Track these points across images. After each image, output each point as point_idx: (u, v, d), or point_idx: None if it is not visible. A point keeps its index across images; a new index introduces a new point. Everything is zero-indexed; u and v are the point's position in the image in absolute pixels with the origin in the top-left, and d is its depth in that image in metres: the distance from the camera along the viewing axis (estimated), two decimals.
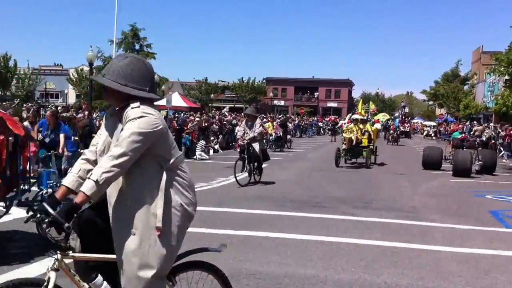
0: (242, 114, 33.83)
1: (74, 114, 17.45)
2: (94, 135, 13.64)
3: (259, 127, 14.06)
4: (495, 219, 10.03)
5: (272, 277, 5.77)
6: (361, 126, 20.18)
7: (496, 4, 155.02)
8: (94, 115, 21.94)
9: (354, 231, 8.37)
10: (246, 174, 14.02)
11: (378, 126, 24.07)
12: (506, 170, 21.61)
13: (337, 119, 53.59)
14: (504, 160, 26.62)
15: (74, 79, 60.58)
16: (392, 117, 56.87)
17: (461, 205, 11.66)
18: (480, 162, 18.55)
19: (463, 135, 20.57)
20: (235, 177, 13.48)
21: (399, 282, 5.80)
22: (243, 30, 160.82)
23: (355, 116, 21.82)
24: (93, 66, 27.08)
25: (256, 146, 13.81)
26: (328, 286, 5.55)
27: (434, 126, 59.26)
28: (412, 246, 7.49)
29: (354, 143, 19.52)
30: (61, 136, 12.06)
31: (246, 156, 13.93)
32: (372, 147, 20.52)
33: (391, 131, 41.54)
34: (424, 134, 58.70)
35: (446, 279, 5.96)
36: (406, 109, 70.78)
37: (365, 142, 19.85)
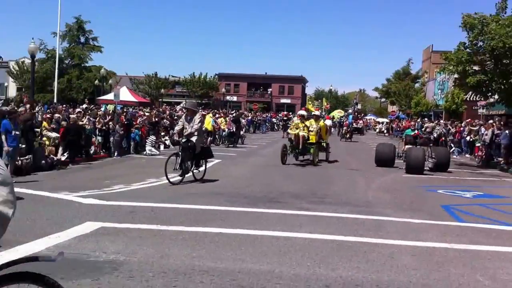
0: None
1: (15, 108, 16.69)
2: (36, 129, 13.00)
3: (198, 122, 13.02)
4: (447, 213, 10.18)
5: (227, 273, 5.59)
6: (307, 123, 19.32)
7: (445, 5, 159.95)
8: (37, 109, 21.08)
9: (309, 226, 8.29)
10: (187, 173, 12.93)
11: (328, 122, 22.96)
12: (456, 166, 22.16)
13: (290, 115, 52.49)
14: (454, 156, 27.32)
15: (15, 72, 58.42)
16: (346, 114, 56.62)
17: (414, 199, 11.81)
18: (433, 160, 18.33)
19: (416, 132, 20.07)
20: (166, 175, 12.31)
21: (354, 276, 5.72)
22: (194, 25, 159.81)
23: (301, 112, 20.93)
24: (35, 59, 26.03)
25: (195, 142, 12.85)
26: (284, 281, 5.41)
27: (387, 123, 59.53)
28: (367, 240, 7.46)
29: (301, 140, 18.46)
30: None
31: (180, 153, 12.84)
32: (323, 144, 20.02)
33: (345, 128, 41.05)
34: (377, 130, 58.81)
35: (401, 272, 5.94)
36: (359, 106, 71.71)
37: (313, 139, 19.01)
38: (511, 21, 19.86)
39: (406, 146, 19.14)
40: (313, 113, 21.23)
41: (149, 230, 7.55)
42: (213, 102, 75.22)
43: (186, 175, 12.84)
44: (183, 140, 12.97)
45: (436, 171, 17.92)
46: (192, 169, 13.06)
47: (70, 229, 7.43)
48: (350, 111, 57.81)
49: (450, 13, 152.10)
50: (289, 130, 19.43)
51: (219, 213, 9.15)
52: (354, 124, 47.82)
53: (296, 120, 19.66)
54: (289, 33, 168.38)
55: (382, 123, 61.68)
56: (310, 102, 42.86)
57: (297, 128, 18.87)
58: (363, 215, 9.42)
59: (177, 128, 13.80)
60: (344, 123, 42.94)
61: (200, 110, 17.63)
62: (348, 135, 39.44)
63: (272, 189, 12.52)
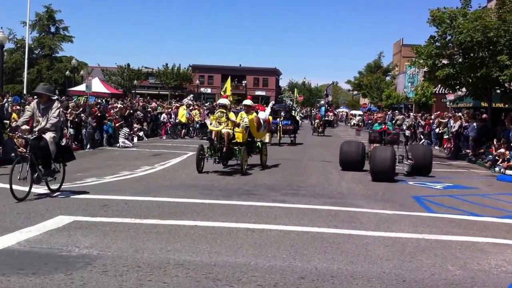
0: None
1: None
2: (5, 121, 12.64)
3: (57, 116, 9.63)
4: (418, 204, 10.35)
5: (202, 266, 5.58)
6: (232, 117, 14.43)
7: None
8: (5, 100, 20.61)
9: (284, 218, 8.33)
10: (39, 181, 9.49)
11: (262, 115, 16.80)
12: None
13: (255, 106, 49.82)
14: None
15: None
16: (318, 105, 53.55)
17: (386, 191, 11.95)
18: (410, 162, 15.04)
19: (383, 126, 15.69)
20: (11, 187, 8.86)
21: (329, 267, 5.78)
22: (167, 16, 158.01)
23: (221, 100, 15.19)
24: (4, 49, 25.40)
25: (48, 139, 9.37)
26: (260, 273, 5.43)
27: (360, 115, 57.79)
28: (341, 232, 7.54)
29: (226, 139, 13.95)
30: None
31: (28, 155, 9.30)
32: (258, 144, 15.78)
33: (317, 121, 38.06)
34: (352, 123, 56.23)
35: (374, 263, 6.02)
36: (330, 98, 70.71)
37: (239, 137, 14.42)
38: (478, 16, 20.24)
39: (372, 145, 15.20)
40: (244, 103, 16.31)
41: (123, 223, 7.48)
42: (187, 94, 74.70)
43: (37, 185, 9.64)
44: (32, 137, 9.47)
45: (415, 174, 14.85)
46: (45, 176, 9.61)
47: (42, 223, 7.31)
48: (322, 102, 51.79)
49: (420, 7, 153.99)
50: (209, 126, 14.47)
51: (194, 205, 9.11)
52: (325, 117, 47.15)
53: (217, 112, 14.58)
54: (263, 25, 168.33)
55: (355, 115, 60.12)
56: (287, 95, 42.20)
57: (219, 123, 14.12)
58: (337, 207, 9.51)
59: (22, 119, 10.09)
60: (317, 115, 40.26)
61: (57, 97, 12.25)
62: (320, 129, 37.00)
63: (247, 181, 12.52)
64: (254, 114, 15.64)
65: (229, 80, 20.96)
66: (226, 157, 14.34)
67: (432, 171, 15.38)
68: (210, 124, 14.35)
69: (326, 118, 47.12)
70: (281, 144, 25.00)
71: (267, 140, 22.69)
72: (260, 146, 15.68)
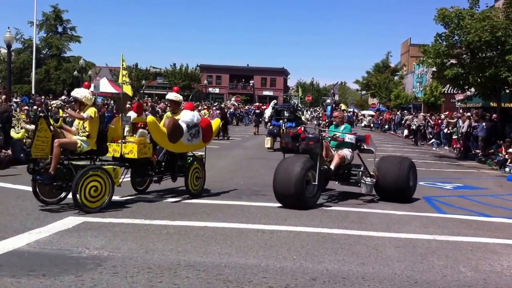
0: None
1: None
2: (13, 120, 12.53)
3: None
4: (429, 205, 10.29)
5: (213, 267, 5.56)
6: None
7: None
8: (14, 100, 20.74)
9: (294, 219, 8.29)
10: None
11: (188, 116, 9.93)
12: (436, 158, 22.47)
13: (262, 107, 38.88)
14: (433, 149, 27.70)
15: None
16: (324, 104, 49.16)
17: None
18: (369, 180, 10.09)
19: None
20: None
21: (340, 268, 5.75)
22: (175, 16, 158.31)
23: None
24: (11, 49, 25.58)
25: None
26: (270, 274, 5.40)
27: (373, 116, 53.41)
28: (351, 233, 7.50)
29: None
30: None
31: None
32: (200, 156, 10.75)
33: (323, 122, 33.44)
34: (363, 124, 51.75)
35: (385, 264, 5.98)
36: (336, 97, 68.90)
37: (133, 151, 9.23)
38: (486, 16, 20.11)
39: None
40: (167, 97, 11.02)
41: (133, 224, 7.47)
42: (195, 94, 74.81)
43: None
44: None
45: (384, 199, 10.32)
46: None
47: (51, 224, 7.31)
48: (328, 101, 45.45)
49: (428, 7, 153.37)
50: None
51: (203, 206, 9.10)
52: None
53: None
54: (271, 26, 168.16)
55: (365, 115, 55.69)
56: (296, 94, 39.66)
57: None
58: (347, 208, 9.47)
59: None
60: (322, 115, 37.17)
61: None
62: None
63: (256, 181, 12.50)
64: (178, 114, 10.12)
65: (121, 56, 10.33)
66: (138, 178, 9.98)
67: (414, 196, 10.75)
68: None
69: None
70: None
71: (268, 145, 21.23)
72: (190, 163, 10.12)
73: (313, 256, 6.19)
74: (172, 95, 10.52)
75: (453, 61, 21.80)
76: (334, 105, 51.58)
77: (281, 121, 22.54)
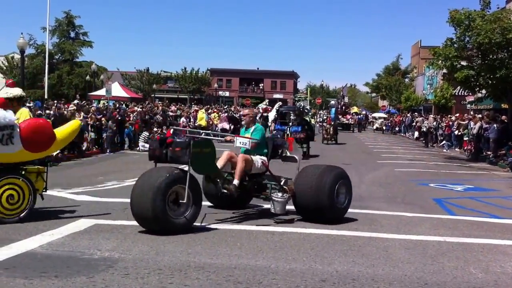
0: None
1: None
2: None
3: None
4: (439, 207, 10.27)
5: (222, 269, 5.59)
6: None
7: (432, 0, 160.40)
8: (27, 105, 20.94)
9: (304, 221, 8.30)
10: None
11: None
12: (447, 159, 22.37)
13: (269, 109, 34.56)
14: (444, 150, 27.57)
15: (4, 67, 57.93)
16: (328, 106, 43.20)
17: (406, 193, 11.87)
18: (281, 196, 8.20)
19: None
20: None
21: (350, 270, 5.76)
22: (185, 20, 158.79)
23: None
24: (24, 54, 25.86)
25: None
26: (280, 276, 5.43)
27: (385, 118, 51.50)
28: (361, 234, 7.50)
29: None
30: None
31: None
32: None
33: (327, 126, 29.89)
34: (375, 127, 50.16)
35: (395, 266, 5.98)
36: (346, 99, 67.25)
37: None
38: (497, 17, 20.03)
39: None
40: None
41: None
42: (205, 97, 75.06)
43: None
44: None
45: (301, 218, 8.43)
46: None
47: (64, 226, 7.39)
48: (332, 102, 39.62)
49: (438, 9, 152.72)
50: None
51: (213, 209, 9.13)
52: (343, 119, 42.41)
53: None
54: (280, 28, 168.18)
55: (377, 118, 53.44)
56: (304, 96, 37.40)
57: None
58: (356, 209, 9.45)
59: None
60: (327, 119, 31.98)
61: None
62: (330, 136, 28.77)
63: None
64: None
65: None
66: None
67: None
68: None
69: (345, 121, 45.22)
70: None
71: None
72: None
73: (323, 258, 6.20)
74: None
75: (464, 63, 21.73)
76: (343, 107, 50.91)
77: (285, 126, 20.34)
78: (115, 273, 5.33)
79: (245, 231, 7.48)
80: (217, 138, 9.10)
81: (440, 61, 22.00)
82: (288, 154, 9.00)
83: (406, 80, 67.96)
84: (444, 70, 24.06)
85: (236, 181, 8.02)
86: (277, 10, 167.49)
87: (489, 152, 21.51)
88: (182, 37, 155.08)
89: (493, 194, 12.51)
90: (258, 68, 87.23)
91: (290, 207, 8.47)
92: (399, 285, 5.31)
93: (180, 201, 7.23)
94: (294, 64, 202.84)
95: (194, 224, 7.46)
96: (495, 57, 20.54)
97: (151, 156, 7.81)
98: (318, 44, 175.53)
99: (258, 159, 8.45)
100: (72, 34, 61.03)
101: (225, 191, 8.09)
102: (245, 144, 8.19)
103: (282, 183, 8.47)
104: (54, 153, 16.07)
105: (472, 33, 20.24)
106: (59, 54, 60.38)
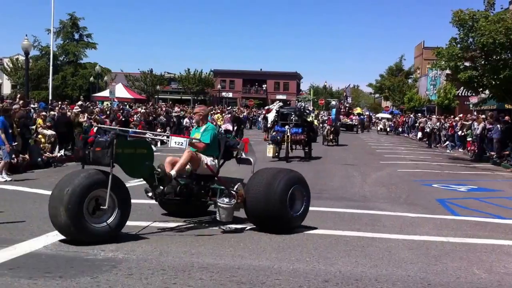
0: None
1: (8, 106, 16.65)
2: (31, 127, 12.83)
3: None
4: (442, 207, 10.26)
5: (226, 269, 5.61)
6: None
7: (436, 1, 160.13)
8: (32, 106, 21.03)
9: (307, 221, 8.29)
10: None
11: None
12: (451, 160, 22.34)
13: (271, 110, 31.64)
14: (448, 151, 27.53)
15: (9, 69, 58.15)
16: (329, 107, 41.33)
17: (409, 194, 11.87)
18: (226, 202, 7.52)
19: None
20: None
21: (353, 270, 5.76)
22: (189, 21, 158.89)
23: None
24: (29, 56, 25.97)
25: None
26: (283, 276, 5.44)
27: (389, 119, 49.65)
28: (364, 235, 7.51)
29: None
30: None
31: None
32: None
33: (327, 127, 29.22)
34: (379, 128, 49.19)
35: (399, 266, 5.98)
36: (349, 100, 66.78)
37: None
38: (500, 17, 19.99)
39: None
40: None
41: (147, 227, 7.55)
42: (209, 98, 75.09)
43: None
44: None
45: (255, 228, 7.67)
46: None
47: None
48: (333, 103, 37.69)
49: (441, 9, 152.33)
50: None
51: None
52: (343, 119, 41.68)
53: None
54: (283, 29, 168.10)
55: (381, 119, 51.83)
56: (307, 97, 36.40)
57: None
58: (360, 210, 9.48)
59: None
60: (328, 120, 30.91)
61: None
62: (331, 137, 28.17)
63: None
64: None
65: None
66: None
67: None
68: None
69: (349, 122, 45.04)
70: (290, 159, 18.31)
71: (270, 154, 18.31)
72: None
73: (326, 258, 6.21)
74: None
75: (467, 63, 21.69)
76: (347, 108, 50.52)
77: (286, 127, 19.25)
78: (119, 274, 5.35)
79: (248, 231, 7.49)
80: (157, 138, 7.64)
81: (443, 62, 21.96)
82: (244, 156, 8.25)
83: (409, 80, 67.85)
84: (448, 71, 24.02)
85: (173, 172, 7.32)
86: (280, 11, 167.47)
87: (492, 153, 21.48)
88: (186, 39, 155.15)
89: (497, 195, 12.50)
90: (261, 69, 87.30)
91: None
92: (402, 286, 5.31)
93: (102, 207, 6.58)
94: (297, 65, 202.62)
95: (201, 226, 7.46)
96: (498, 57, 20.50)
97: (76, 157, 7.16)
98: (321, 45, 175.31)
99: (205, 160, 7.71)
100: (76, 36, 61.33)
101: (159, 188, 7.27)
102: (181, 144, 7.38)
103: (234, 188, 7.68)
104: (58, 154, 16.16)
105: (476, 34, 20.21)
106: (63, 56, 60.67)
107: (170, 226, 7.64)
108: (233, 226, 7.54)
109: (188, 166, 7.55)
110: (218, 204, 7.44)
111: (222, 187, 7.70)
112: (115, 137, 6.72)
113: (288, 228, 7.47)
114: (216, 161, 7.91)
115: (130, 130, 8.03)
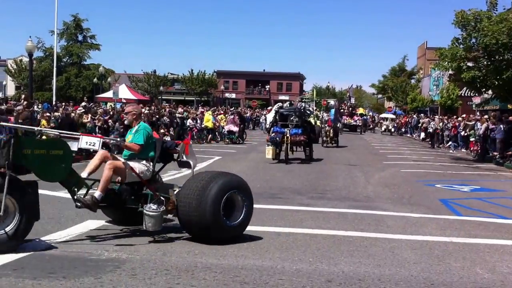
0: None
1: (12, 107, 16.72)
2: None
3: None
4: (446, 207, 10.26)
5: (229, 269, 5.62)
6: None
7: (438, 1, 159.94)
8: (36, 107, 21.10)
9: (310, 222, 8.34)
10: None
11: None
12: (453, 160, 22.31)
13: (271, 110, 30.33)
14: (451, 151, 27.49)
15: (13, 70, 58.32)
16: (328, 107, 37.65)
17: (412, 194, 11.86)
18: (154, 210, 6.75)
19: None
20: None
21: (356, 270, 5.77)
22: (192, 22, 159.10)
23: None
24: (33, 57, 26.08)
25: None
26: (286, 276, 5.45)
27: (393, 119, 49.60)
28: (367, 235, 7.52)
29: None
30: None
31: None
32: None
33: (327, 127, 28.44)
34: (383, 129, 48.53)
35: (402, 266, 5.99)
36: (352, 100, 66.39)
37: None
38: (503, 18, 19.95)
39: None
40: None
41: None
42: (212, 99, 75.16)
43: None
44: None
45: (190, 237, 7.00)
46: None
47: (72, 227, 7.45)
48: (332, 103, 34.89)
49: (444, 10, 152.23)
50: None
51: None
52: (346, 120, 41.90)
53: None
54: (286, 30, 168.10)
55: (385, 119, 50.84)
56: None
57: None
58: (363, 210, 9.49)
59: None
60: (327, 120, 29.87)
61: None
62: (330, 137, 27.80)
63: (272, 184, 12.56)
64: None
65: None
66: None
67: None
68: None
69: (352, 123, 44.98)
70: (289, 161, 18.02)
71: (269, 156, 17.97)
72: None
73: (329, 258, 6.22)
74: None
75: (470, 64, 21.66)
76: (350, 109, 50.46)
77: (285, 128, 18.55)
78: (123, 274, 5.37)
79: (251, 231, 7.48)
80: (67, 137, 7.16)
81: (446, 62, 21.93)
82: (185, 158, 7.55)
83: (412, 81, 67.79)
84: (450, 71, 23.98)
85: (97, 193, 6.66)
86: (283, 12, 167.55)
87: (495, 153, 21.44)
88: (189, 40, 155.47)
89: (500, 195, 12.48)
90: (264, 70, 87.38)
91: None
92: (406, 286, 5.32)
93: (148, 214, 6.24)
94: (300, 65, 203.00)
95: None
96: (501, 58, 20.47)
97: None
98: (324, 45, 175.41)
99: (141, 166, 7.09)
100: (80, 37, 61.54)
101: (78, 204, 6.63)
102: (93, 145, 6.67)
103: (169, 194, 7.01)
104: None
105: (479, 34, 20.18)
106: (67, 57, 60.86)
107: (174, 226, 7.65)
108: (167, 235, 7.08)
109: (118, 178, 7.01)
110: (144, 211, 6.69)
111: (151, 193, 7.02)
112: (13, 136, 6.16)
113: (221, 239, 6.70)
114: (150, 163, 7.22)
115: (41, 128, 7.46)
